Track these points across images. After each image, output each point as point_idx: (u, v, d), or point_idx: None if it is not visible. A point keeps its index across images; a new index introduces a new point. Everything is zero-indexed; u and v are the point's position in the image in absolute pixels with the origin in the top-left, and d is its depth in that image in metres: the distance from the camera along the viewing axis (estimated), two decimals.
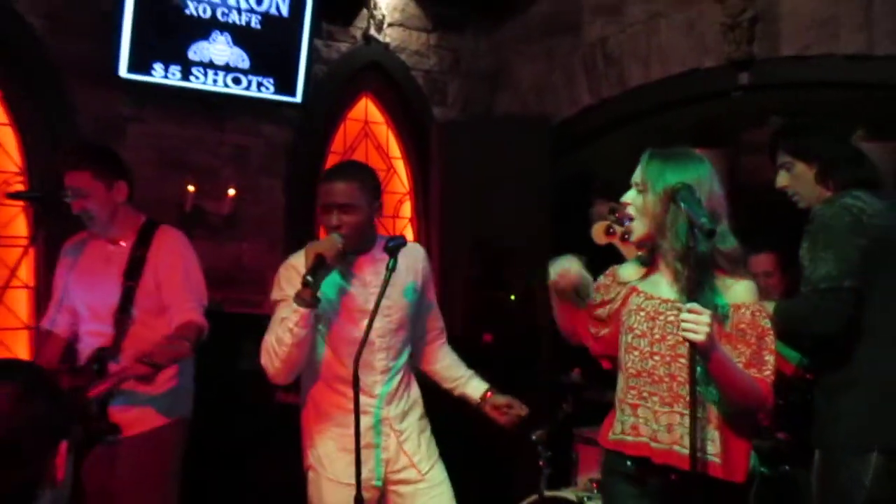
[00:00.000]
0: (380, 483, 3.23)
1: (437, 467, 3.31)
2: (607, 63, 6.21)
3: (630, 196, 2.77)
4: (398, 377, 3.28)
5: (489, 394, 3.38)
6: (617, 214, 2.96)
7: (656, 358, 2.69)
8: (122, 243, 3.63)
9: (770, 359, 2.66)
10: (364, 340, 2.94)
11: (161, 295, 3.55)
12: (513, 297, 5.22)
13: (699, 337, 2.47)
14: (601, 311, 2.85)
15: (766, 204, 3.42)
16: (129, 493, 3.53)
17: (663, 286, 2.76)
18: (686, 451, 2.57)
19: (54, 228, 4.39)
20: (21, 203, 4.58)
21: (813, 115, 4.41)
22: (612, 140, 6.28)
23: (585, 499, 4.15)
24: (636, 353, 2.73)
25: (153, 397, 3.55)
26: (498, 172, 5.58)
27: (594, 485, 4.24)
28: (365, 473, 3.09)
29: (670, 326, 2.69)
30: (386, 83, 6.20)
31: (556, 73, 6.48)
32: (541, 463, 4.34)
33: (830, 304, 3.02)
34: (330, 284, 3.19)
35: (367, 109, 6.26)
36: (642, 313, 2.73)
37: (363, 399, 3.09)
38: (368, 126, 6.27)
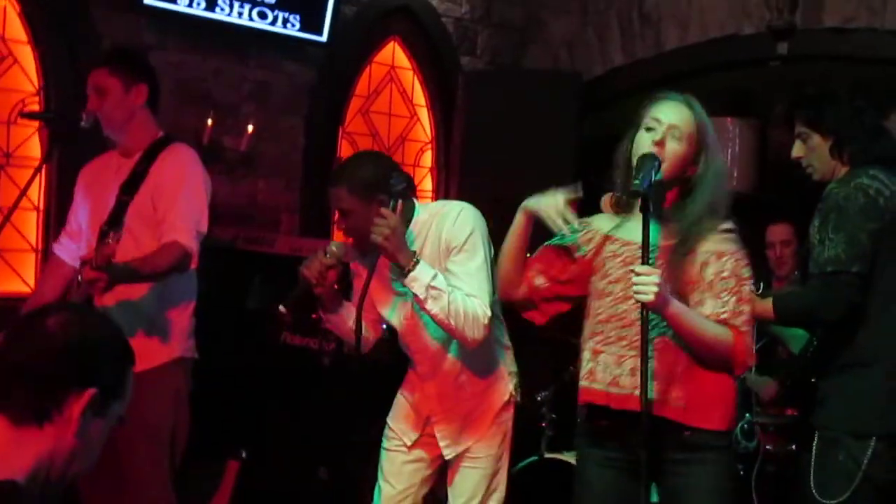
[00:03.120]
0: (410, 442, 3.27)
1: (477, 447, 3.22)
2: (643, 22, 6.16)
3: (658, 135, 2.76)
4: (445, 356, 3.18)
5: None
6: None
7: (630, 302, 2.70)
8: (133, 157, 3.46)
9: (745, 309, 2.71)
10: (358, 325, 2.94)
11: (156, 212, 3.36)
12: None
13: (648, 297, 2.54)
14: (583, 250, 2.87)
15: (793, 178, 3.36)
16: (124, 443, 3.28)
17: (639, 232, 2.75)
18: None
19: (68, 151, 4.41)
20: (36, 124, 4.54)
21: (840, 88, 4.38)
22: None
23: None
24: (608, 298, 2.77)
25: (134, 337, 3.10)
26: (523, 128, 5.50)
27: None
28: (404, 424, 3.29)
29: None
30: (415, 28, 6.15)
31: (589, 29, 6.42)
32: (543, 424, 4.34)
33: (835, 290, 2.98)
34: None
35: (394, 53, 6.21)
36: (617, 259, 2.77)
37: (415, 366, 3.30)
38: (394, 70, 6.23)
